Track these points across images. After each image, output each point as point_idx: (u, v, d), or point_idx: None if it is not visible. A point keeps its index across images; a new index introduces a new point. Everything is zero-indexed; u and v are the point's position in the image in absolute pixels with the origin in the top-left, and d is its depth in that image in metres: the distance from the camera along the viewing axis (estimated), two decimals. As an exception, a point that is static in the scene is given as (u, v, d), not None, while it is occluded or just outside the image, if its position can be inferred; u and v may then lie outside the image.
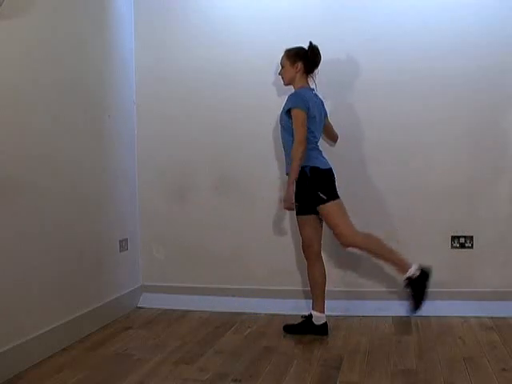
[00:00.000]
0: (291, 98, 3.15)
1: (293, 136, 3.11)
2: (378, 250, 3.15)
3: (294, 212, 3.25)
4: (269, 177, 3.71)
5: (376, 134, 3.60)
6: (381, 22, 3.56)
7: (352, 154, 3.62)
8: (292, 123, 3.10)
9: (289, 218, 3.68)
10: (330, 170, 3.18)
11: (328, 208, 3.11)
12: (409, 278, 3.02)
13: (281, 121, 3.24)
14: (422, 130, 3.56)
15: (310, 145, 3.14)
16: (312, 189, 3.11)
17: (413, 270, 3.02)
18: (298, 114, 3.07)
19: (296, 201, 3.15)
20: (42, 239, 2.90)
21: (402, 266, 3.06)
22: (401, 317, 3.46)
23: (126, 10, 3.83)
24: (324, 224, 3.24)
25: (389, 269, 3.59)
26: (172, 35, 3.86)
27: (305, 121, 3.08)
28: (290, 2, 3.69)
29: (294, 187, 3.06)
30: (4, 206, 2.63)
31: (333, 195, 3.13)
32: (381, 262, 3.49)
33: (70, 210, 3.15)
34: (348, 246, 3.20)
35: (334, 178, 3.18)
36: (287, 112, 3.13)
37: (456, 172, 3.54)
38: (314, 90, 3.24)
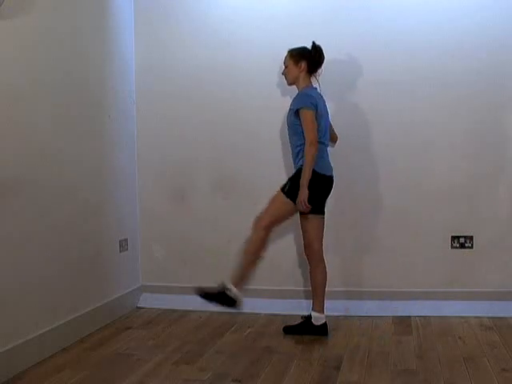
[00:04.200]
0: (299, 97, 3.14)
1: (299, 136, 3.10)
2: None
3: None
4: (269, 177, 3.70)
5: (376, 133, 3.60)
6: (382, 23, 3.56)
7: (352, 154, 3.62)
8: (299, 124, 3.09)
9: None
10: (330, 177, 3.17)
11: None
12: (223, 289, 3.08)
13: (288, 122, 3.22)
14: (422, 130, 3.56)
15: (319, 145, 3.10)
16: (294, 183, 3.10)
17: (233, 291, 3.08)
18: (306, 114, 3.06)
19: (292, 197, 3.12)
20: (42, 239, 2.90)
21: (238, 283, 3.11)
22: (401, 317, 3.46)
23: (126, 10, 3.83)
24: (325, 224, 3.25)
25: (389, 268, 3.60)
26: (172, 35, 3.86)
27: (314, 120, 3.06)
28: (292, 2, 3.69)
29: (306, 190, 3.02)
30: (4, 206, 2.63)
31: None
32: (379, 261, 3.52)
33: (69, 210, 3.14)
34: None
35: (331, 186, 3.19)
36: (295, 112, 3.11)
37: (456, 172, 3.54)
38: (317, 88, 3.24)
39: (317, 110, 3.08)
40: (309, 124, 3.05)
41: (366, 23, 3.58)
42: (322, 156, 3.13)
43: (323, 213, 3.23)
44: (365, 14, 3.59)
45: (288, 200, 3.11)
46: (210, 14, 3.80)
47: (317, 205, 3.14)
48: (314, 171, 3.06)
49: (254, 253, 3.14)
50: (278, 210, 3.16)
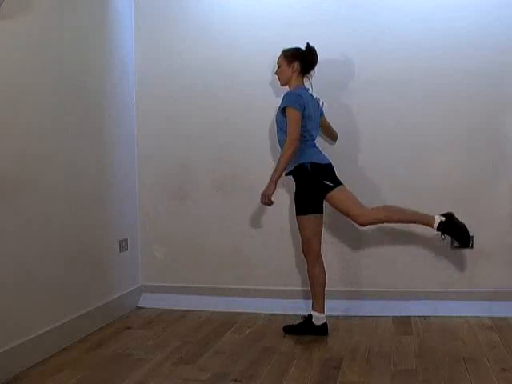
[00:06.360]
0: (286, 96, 3.15)
1: (286, 134, 3.11)
2: (398, 216, 3.18)
3: (294, 212, 3.26)
4: (269, 176, 3.68)
5: (376, 133, 3.60)
6: (380, 23, 3.56)
7: (352, 154, 3.62)
8: (286, 121, 3.10)
9: (289, 217, 3.68)
10: (330, 164, 3.19)
11: (337, 194, 3.14)
12: (439, 227, 3.10)
13: (276, 120, 3.24)
14: (421, 130, 3.56)
15: (307, 142, 3.15)
16: (316, 181, 3.11)
17: (438, 219, 3.10)
18: (292, 113, 3.07)
19: (297, 200, 3.17)
20: (42, 239, 2.91)
21: (428, 221, 3.13)
22: (401, 317, 3.46)
23: (126, 11, 3.83)
24: (323, 223, 3.25)
25: (389, 268, 3.60)
26: (172, 35, 3.86)
27: (299, 120, 3.08)
28: (290, 3, 3.69)
29: (275, 185, 3.08)
30: (3, 207, 2.63)
31: (338, 182, 3.16)
32: (379, 261, 3.52)
33: (69, 210, 3.15)
34: (367, 224, 3.23)
35: (334, 173, 3.20)
36: (282, 111, 3.13)
37: (456, 172, 3.54)
38: (309, 89, 3.24)
39: (304, 111, 3.09)
40: (292, 123, 3.07)
41: (365, 23, 3.57)
42: (314, 151, 3.17)
43: (321, 212, 3.23)
44: (365, 14, 3.58)
45: (333, 191, 3.12)
46: (210, 14, 3.80)
47: (316, 203, 3.15)
48: (312, 163, 3.09)
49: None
50: (351, 198, 3.17)
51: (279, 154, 3.24)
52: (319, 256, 3.24)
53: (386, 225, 3.57)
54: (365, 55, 3.57)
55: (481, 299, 3.47)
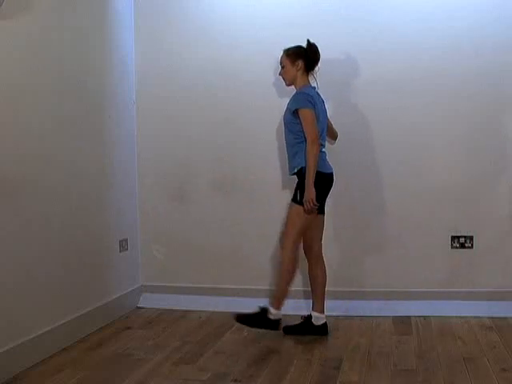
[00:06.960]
0: (297, 97, 3.12)
1: (295, 135, 3.09)
2: (285, 279, 3.14)
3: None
4: (269, 176, 3.71)
5: (376, 133, 3.60)
6: (382, 23, 3.56)
7: (352, 154, 3.62)
8: (297, 122, 3.07)
9: (289, 217, 3.68)
10: (331, 174, 3.16)
11: (299, 210, 3.07)
12: (265, 311, 3.12)
13: (284, 120, 3.20)
14: (422, 130, 3.56)
15: None
16: (303, 189, 3.06)
17: (274, 312, 3.12)
18: (306, 114, 3.04)
19: (294, 199, 3.14)
20: (42, 239, 2.91)
21: (278, 304, 3.13)
22: (401, 317, 3.46)
23: (126, 11, 3.83)
24: (325, 224, 3.25)
25: (389, 269, 3.60)
26: (172, 35, 3.86)
27: (314, 119, 3.04)
28: (290, 2, 3.68)
29: (313, 188, 2.99)
30: (3, 207, 2.63)
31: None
32: (379, 261, 3.52)
33: (69, 210, 3.15)
34: (282, 247, 3.23)
35: (332, 182, 3.17)
36: (293, 112, 3.10)
37: (456, 172, 3.54)
38: (315, 87, 3.23)
39: (315, 110, 3.07)
40: (309, 123, 3.03)
41: (366, 23, 3.57)
42: (321, 157, 3.11)
43: (323, 212, 3.22)
44: (365, 14, 3.58)
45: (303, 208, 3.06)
46: (210, 14, 3.80)
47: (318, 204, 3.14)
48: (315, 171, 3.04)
49: (287, 271, 3.13)
50: (299, 222, 3.11)
51: (286, 157, 3.23)
52: (320, 256, 3.24)
53: (385, 225, 3.60)
54: (365, 55, 3.57)
55: (481, 299, 3.47)
